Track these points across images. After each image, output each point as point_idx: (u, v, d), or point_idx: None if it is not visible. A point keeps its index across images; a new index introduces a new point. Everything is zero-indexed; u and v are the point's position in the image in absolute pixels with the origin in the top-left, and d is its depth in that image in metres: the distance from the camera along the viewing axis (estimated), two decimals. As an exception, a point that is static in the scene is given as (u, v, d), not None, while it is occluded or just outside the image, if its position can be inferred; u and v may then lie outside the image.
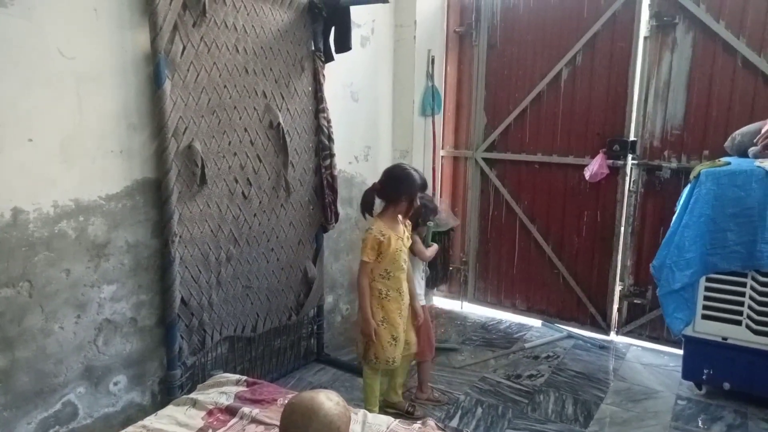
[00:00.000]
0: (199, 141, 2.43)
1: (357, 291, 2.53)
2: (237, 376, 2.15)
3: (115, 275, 2.28)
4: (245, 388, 2.05)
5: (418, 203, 2.50)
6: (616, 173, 3.57)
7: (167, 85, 2.26)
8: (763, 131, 2.76)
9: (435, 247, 2.81)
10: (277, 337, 3.05)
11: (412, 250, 2.64)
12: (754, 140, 2.81)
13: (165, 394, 2.47)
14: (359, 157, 3.65)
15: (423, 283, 2.81)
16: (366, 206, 2.51)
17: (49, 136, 2.02)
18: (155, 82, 2.25)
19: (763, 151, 2.74)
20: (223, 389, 2.04)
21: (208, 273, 2.56)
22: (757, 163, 2.65)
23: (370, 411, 2.14)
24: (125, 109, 2.23)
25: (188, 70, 2.36)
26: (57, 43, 2.01)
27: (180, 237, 2.40)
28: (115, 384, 2.34)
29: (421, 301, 2.74)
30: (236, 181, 2.64)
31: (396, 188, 2.44)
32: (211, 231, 2.55)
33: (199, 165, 2.42)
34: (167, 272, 2.38)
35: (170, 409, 1.95)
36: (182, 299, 2.45)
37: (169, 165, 2.31)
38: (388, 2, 2.95)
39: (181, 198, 2.39)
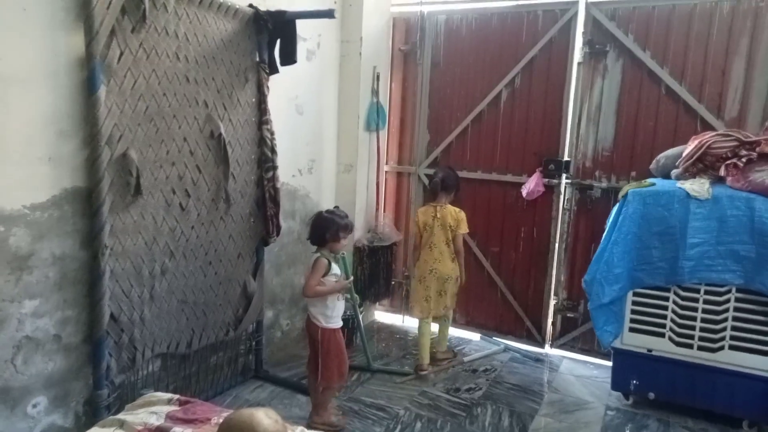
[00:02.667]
0: (135, 149, 2.34)
1: None
2: (169, 395, 2.07)
3: (38, 289, 2.15)
4: (177, 407, 1.97)
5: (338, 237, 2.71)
6: (551, 191, 3.72)
7: (102, 91, 2.18)
8: (684, 154, 2.95)
9: (342, 283, 2.75)
10: (213, 354, 2.96)
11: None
12: (677, 163, 3.00)
13: (90, 416, 2.34)
14: (303, 170, 3.63)
15: (340, 305, 2.76)
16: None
17: (-32, 140, 1.90)
18: (89, 87, 2.16)
19: (684, 173, 2.92)
20: (154, 409, 1.96)
21: (141, 287, 2.46)
22: (679, 184, 2.83)
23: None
24: (55, 115, 2.13)
25: (125, 77, 2.28)
26: (-20, 42, 1.89)
27: (111, 249, 2.29)
28: (34, 406, 2.19)
29: (336, 323, 2.74)
30: (174, 192, 2.56)
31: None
32: (145, 243, 2.46)
33: (134, 174, 2.33)
34: (96, 286, 2.27)
35: (95, 431, 1.84)
36: (112, 315, 2.34)
37: (101, 174, 2.21)
38: (334, 17, 2.97)
39: (113, 208, 2.29)
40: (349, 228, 2.74)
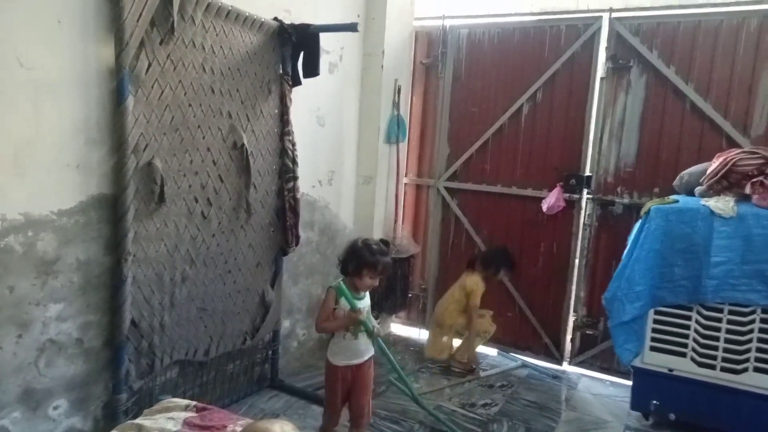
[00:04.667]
0: (160, 159, 2.39)
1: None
2: (186, 401, 2.08)
3: (62, 293, 2.19)
4: (194, 414, 1.98)
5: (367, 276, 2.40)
6: (571, 207, 3.69)
7: (130, 101, 2.23)
8: (708, 171, 2.91)
9: (349, 316, 2.40)
10: (230, 362, 2.98)
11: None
12: (701, 180, 2.96)
13: (109, 420, 2.36)
14: (323, 181, 3.66)
15: (348, 343, 2.46)
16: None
17: (2, 146, 1.95)
18: (118, 97, 2.21)
19: (708, 191, 2.88)
20: (171, 414, 1.97)
21: (162, 294, 2.49)
22: (703, 201, 2.79)
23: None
24: (85, 123, 2.18)
25: (152, 87, 2.33)
26: (17, 52, 1.96)
27: (134, 256, 2.33)
28: (55, 408, 2.23)
29: (339, 360, 2.46)
30: (196, 201, 2.60)
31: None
32: (167, 250, 2.49)
33: (159, 183, 2.37)
34: (118, 292, 2.31)
35: (114, 435, 1.86)
36: (132, 320, 2.37)
37: (126, 181, 2.26)
38: (357, 31, 3.00)
39: (137, 216, 2.33)
40: (378, 268, 2.37)
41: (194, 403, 2.07)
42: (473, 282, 3.63)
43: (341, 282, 2.40)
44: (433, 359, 3.70)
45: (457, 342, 3.73)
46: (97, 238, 2.28)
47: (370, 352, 2.51)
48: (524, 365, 3.79)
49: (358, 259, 2.36)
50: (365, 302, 2.47)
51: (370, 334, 2.43)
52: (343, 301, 2.38)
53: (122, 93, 2.20)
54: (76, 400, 2.30)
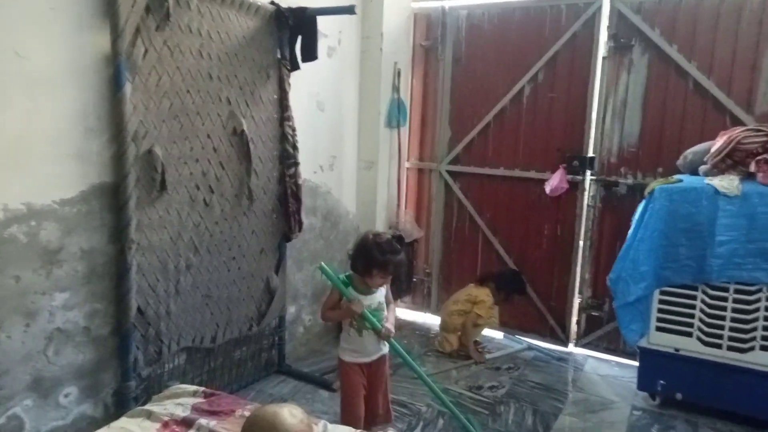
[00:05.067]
0: (160, 146, 2.38)
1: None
2: (194, 387, 2.10)
3: (68, 282, 2.20)
4: (202, 400, 2.00)
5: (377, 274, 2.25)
6: (575, 188, 3.67)
7: (127, 89, 2.21)
8: (712, 150, 2.88)
9: (346, 306, 2.29)
10: (236, 348, 3.00)
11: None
12: (705, 159, 2.93)
13: (119, 406, 2.38)
14: (324, 166, 3.64)
15: (358, 338, 2.36)
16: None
17: (0, 138, 1.95)
18: (115, 85, 2.20)
19: (712, 170, 2.86)
20: (180, 400, 1.99)
21: (167, 281, 2.49)
22: (707, 180, 2.77)
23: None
24: (83, 112, 2.17)
25: (150, 74, 2.31)
26: (12, 42, 1.94)
27: (138, 244, 2.33)
28: (66, 396, 2.25)
29: (351, 357, 2.38)
30: (198, 188, 2.60)
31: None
32: (171, 238, 2.49)
33: (159, 170, 2.37)
34: (123, 280, 2.31)
35: (123, 421, 1.88)
36: (138, 308, 2.38)
37: (127, 170, 2.25)
38: (355, 14, 2.97)
39: (139, 204, 2.33)
40: (388, 268, 2.24)
41: (202, 389, 2.09)
42: (483, 293, 3.63)
43: (329, 269, 2.26)
44: (440, 351, 3.70)
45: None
46: (100, 227, 2.28)
47: (381, 350, 2.39)
48: (530, 347, 3.79)
49: (368, 259, 2.22)
50: (376, 297, 2.33)
51: (378, 333, 2.30)
52: (351, 292, 2.28)
53: (119, 81, 2.19)
54: (86, 387, 2.31)
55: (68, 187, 2.16)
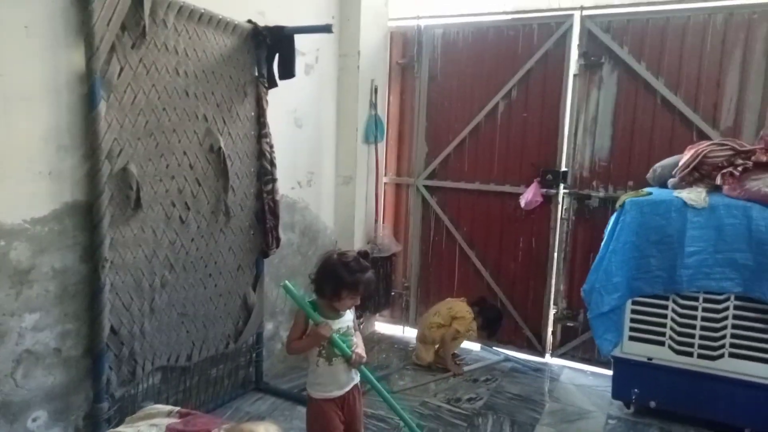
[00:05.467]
0: (135, 164, 2.37)
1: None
2: (169, 407, 2.06)
3: (38, 303, 2.16)
4: (177, 420, 1.96)
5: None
6: (549, 201, 3.74)
7: (102, 106, 2.20)
8: (680, 164, 2.97)
9: (315, 332, 2.10)
10: (213, 366, 2.96)
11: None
12: (673, 172, 3.02)
13: (90, 429, 2.33)
14: (302, 182, 3.65)
15: (326, 369, 2.15)
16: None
17: (-29, 155, 1.92)
18: (90, 103, 2.18)
19: (680, 183, 2.94)
20: (154, 421, 1.95)
21: (141, 300, 2.46)
22: (676, 193, 2.85)
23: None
24: (56, 130, 2.15)
25: (125, 92, 2.31)
26: (-17, 59, 1.92)
27: (111, 262, 2.31)
28: (34, 420, 2.19)
29: (320, 392, 2.17)
30: (173, 205, 2.58)
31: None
32: (146, 256, 2.47)
33: (134, 188, 2.35)
34: (96, 299, 2.28)
35: (95, 445, 1.84)
36: (112, 328, 2.34)
37: (101, 188, 2.23)
38: (332, 32, 3.01)
39: (113, 222, 2.30)
40: (359, 287, 2.06)
41: (177, 408, 2.05)
42: (465, 309, 3.67)
43: (294, 289, 2.07)
44: (417, 364, 3.71)
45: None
46: (73, 245, 2.25)
47: (354, 379, 2.21)
48: (507, 359, 3.83)
49: (335, 281, 2.04)
50: (345, 321, 2.16)
51: (348, 360, 2.12)
52: (317, 315, 2.09)
53: (94, 98, 2.17)
54: (55, 410, 2.26)
55: (40, 205, 2.13)
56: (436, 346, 3.68)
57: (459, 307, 3.69)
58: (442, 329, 3.64)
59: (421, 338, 3.75)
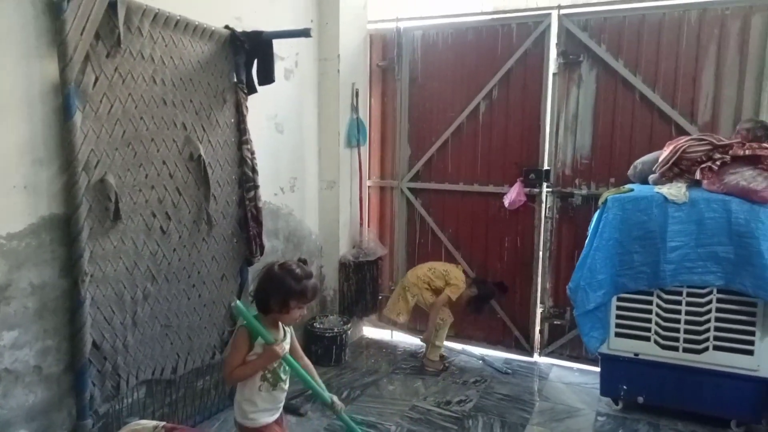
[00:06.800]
0: (113, 174, 2.32)
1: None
2: (154, 423, 2.02)
3: (17, 320, 2.10)
4: (163, 435, 1.93)
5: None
6: (532, 200, 3.75)
7: (77, 117, 2.16)
8: (660, 159, 3.00)
9: (268, 351, 1.89)
10: (199, 378, 2.92)
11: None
12: (653, 168, 3.05)
13: (74, 447, 2.29)
14: (285, 188, 3.62)
15: (267, 395, 1.97)
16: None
17: (-59, 171, 1.87)
18: (64, 113, 2.14)
19: (661, 178, 2.97)
20: (139, 437, 1.92)
21: (123, 313, 2.42)
22: (657, 189, 2.88)
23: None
24: (31, 143, 2.10)
25: (101, 102, 2.26)
26: (-48, 72, 1.87)
27: (91, 276, 2.26)
28: (16, 440, 2.14)
29: (257, 420, 1.96)
30: (154, 216, 2.54)
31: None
32: (126, 268, 2.42)
33: (113, 199, 2.31)
34: (77, 314, 2.23)
35: (79, 464, 1.80)
36: (94, 342, 2.29)
37: (79, 200, 2.19)
38: (310, 36, 2.99)
39: (92, 234, 2.26)
40: (307, 295, 1.91)
41: (162, 423, 2.02)
42: (460, 276, 3.67)
43: (246, 309, 1.89)
44: (389, 319, 3.74)
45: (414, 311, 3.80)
46: (51, 260, 2.20)
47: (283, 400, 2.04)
48: (482, 359, 3.81)
49: (283, 292, 1.87)
50: (287, 341, 1.99)
51: (330, 406, 2.04)
52: (259, 341, 1.89)
53: (69, 109, 2.13)
54: (37, 429, 2.21)
55: (16, 220, 2.08)
56: (411, 304, 3.68)
57: (455, 273, 3.69)
58: (433, 292, 3.63)
59: (405, 285, 3.74)
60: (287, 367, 1.98)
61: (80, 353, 2.25)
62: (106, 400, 2.38)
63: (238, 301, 1.94)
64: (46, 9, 2.10)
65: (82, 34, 2.15)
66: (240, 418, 1.97)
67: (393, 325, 3.72)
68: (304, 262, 2.01)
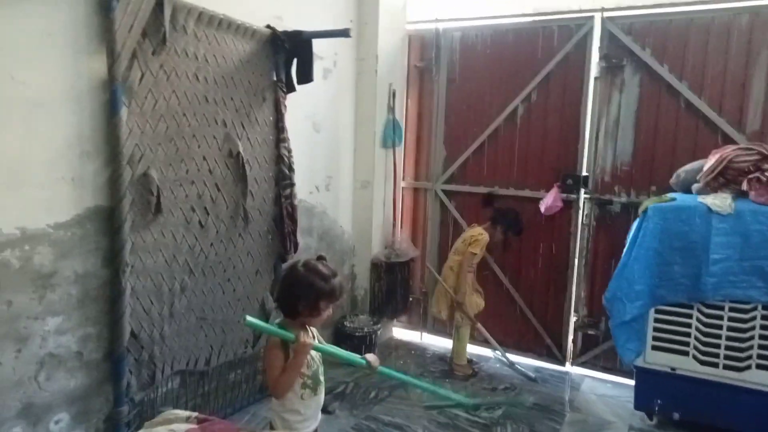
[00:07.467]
0: (156, 169, 2.39)
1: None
2: (187, 413, 2.07)
3: (61, 307, 2.18)
4: (195, 426, 1.96)
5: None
6: (569, 207, 3.68)
7: (123, 113, 2.23)
8: (705, 169, 2.91)
9: (302, 343, 1.83)
10: (231, 371, 2.97)
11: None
12: (697, 177, 2.95)
13: (110, 433, 2.36)
14: (320, 186, 3.65)
15: (310, 401, 1.94)
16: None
17: (-4, 161, 1.95)
18: (111, 109, 2.21)
19: (705, 188, 2.88)
20: (172, 426, 1.95)
21: (161, 304, 2.48)
22: (700, 199, 2.78)
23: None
24: (78, 136, 2.18)
25: (146, 98, 2.33)
26: (8, 67, 1.96)
27: (132, 267, 2.33)
28: (57, 422, 2.22)
29: (301, 429, 1.93)
30: (193, 210, 2.60)
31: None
32: (165, 261, 2.49)
33: (155, 193, 2.37)
34: (117, 303, 2.30)
35: (115, 449, 1.85)
36: (132, 332, 2.36)
37: (122, 193, 2.26)
38: (350, 36, 3.01)
39: (134, 227, 2.33)
40: (335, 294, 1.87)
41: (195, 414, 2.06)
42: (477, 231, 3.61)
43: (257, 320, 1.87)
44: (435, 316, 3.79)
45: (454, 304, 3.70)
46: (95, 250, 2.27)
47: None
48: (512, 364, 3.75)
49: (312, 292, 1.83)
50: (316, 339, 1.94)
51: (368, 367, 1.99)
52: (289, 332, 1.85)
53: (115, 105, 2.20)
54: (77, 413, 2.28)
55: (63, 210, 2.16)
56: (451, 302, 3.64)
57: (471, 231, 3.65)
58: (459, 257, 3.61)
59: (440, 285, 3.71)
60: (323, 368, 1.99)
61: (119, 341, 2.32)
62: (141, 389, 2.44)
63: (248, 316, 1.83)
64: (97, 7, 2.17)
65: (129, 31, 2.21)
66: (281, 426, 1.90)
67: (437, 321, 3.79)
68: (324, 258, 1.98)
